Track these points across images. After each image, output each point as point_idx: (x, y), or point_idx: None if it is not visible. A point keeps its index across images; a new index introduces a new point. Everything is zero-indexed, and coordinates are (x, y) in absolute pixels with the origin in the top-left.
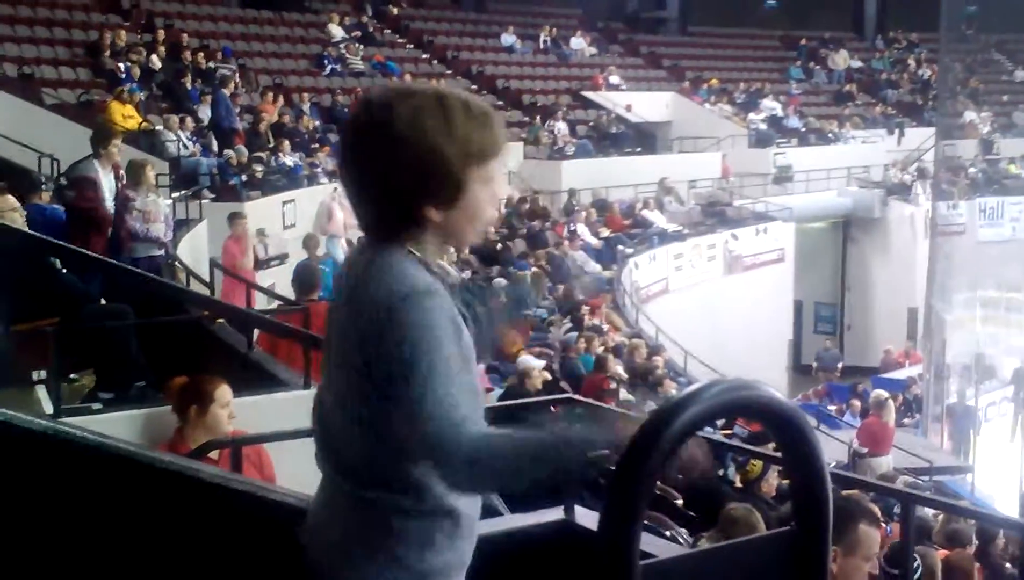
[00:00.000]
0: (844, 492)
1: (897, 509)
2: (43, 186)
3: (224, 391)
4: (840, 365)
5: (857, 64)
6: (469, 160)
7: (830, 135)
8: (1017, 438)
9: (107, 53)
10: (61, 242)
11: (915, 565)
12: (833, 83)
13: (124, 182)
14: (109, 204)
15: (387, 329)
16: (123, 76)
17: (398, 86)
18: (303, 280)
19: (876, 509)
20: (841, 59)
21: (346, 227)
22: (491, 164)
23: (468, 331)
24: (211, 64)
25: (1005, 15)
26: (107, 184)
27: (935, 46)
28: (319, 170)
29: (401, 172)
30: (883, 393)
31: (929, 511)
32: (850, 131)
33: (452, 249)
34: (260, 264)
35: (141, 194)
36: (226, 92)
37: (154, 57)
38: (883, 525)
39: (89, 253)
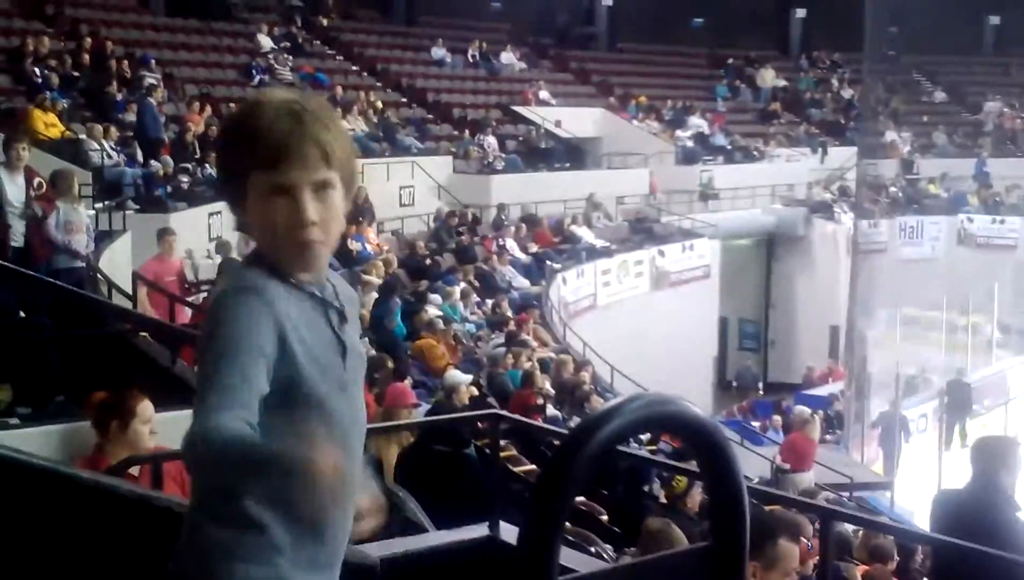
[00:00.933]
0: (767, 507)
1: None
2: None
3: (146, 407)
4: (759, 383)
5: (782, 83)
6: (244, 163)
7: (755, 153)
8: (946, 447)
9: (29, 60)
10: None
11: None
12: (759, 101)
13: (43, 190)
14: (12, 209)
15: (205, 324)
16: (39, 81)
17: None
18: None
19: (804, 522)
20: (768, 77)
21: None
22: (265, 172)
23: (325, 343)
24: (136, 73)
25: (926, 37)
26: (11, 190)
27: (858, 67)
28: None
29: (217, 165)
30: (806, 410)
31: (850, 527)
32: (775, 149)
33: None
34: (189, 288)
35: (66, 204)
36: (153, 101)
37: (77, 64)
38: (805, 540)
39: (12, 266)
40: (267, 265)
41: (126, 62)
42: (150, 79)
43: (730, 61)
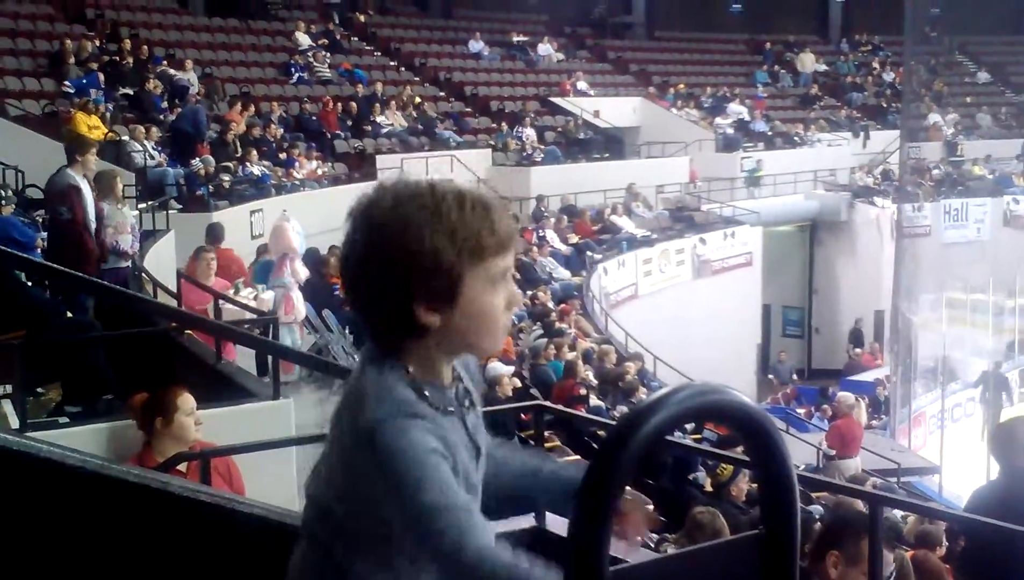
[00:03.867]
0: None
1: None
2: (4, 200)
3: (186, 399)
4: (794, 376)
5: (822, 68)
6: (463, 252)
7: (796, 138)
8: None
9: (71, 63)
10: (26, 255)
11: (890, 571)
12: (799, 87)
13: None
14: (91, 215)
15: (369, 456)
16: (82, 84)
17: (390, 177)
18: None
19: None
20: (808, 62)
21: (292, 252)
22: (493, 260)
23: (467, 455)
24: (177, 73)
25: (968, 18)
26: (87, 194)
27: (899, 49)
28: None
29: (384, 266)
30: (851, 395)
31: (899, 513)
32: (816, 134)
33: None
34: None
35: (110, 205)
36: (201, 107)
37: (118, 67)
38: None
39: (57, 267)
40: (406, 377)
41: (167, 63)
42: (191, 79)
43: (769, 46)
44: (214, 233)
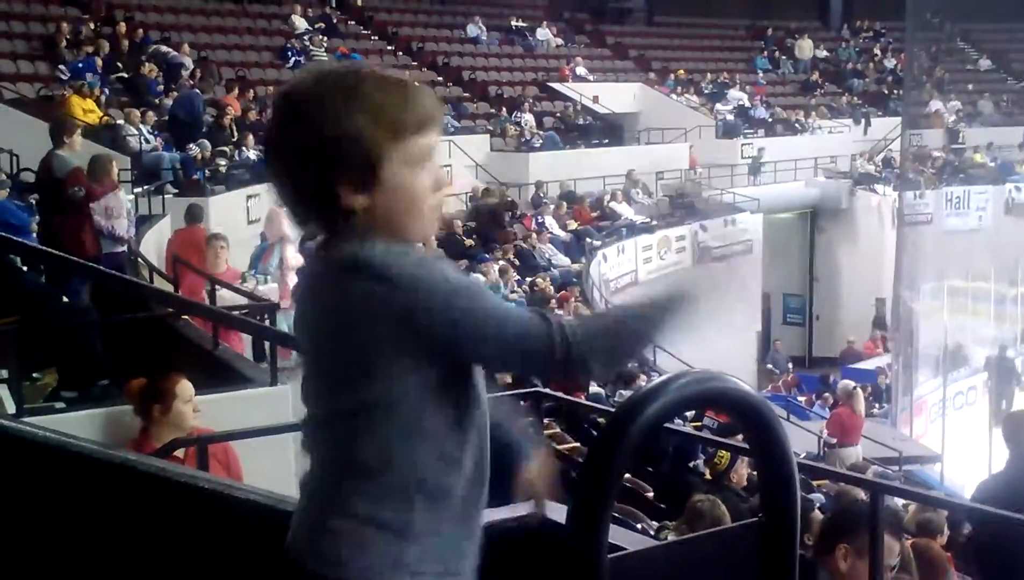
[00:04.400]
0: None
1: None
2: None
3: (185, 386)
4: (789, 364)
5: (823, 54)
6: (383, 133)
7: (797, 125)
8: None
9: (65, 46)
10: (19, 239)
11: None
12: (799, 73)
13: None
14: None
15: (393, 299)
16: (78, 67)
17: (312, 65)
18: None
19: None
20: (806, 48)
21: (287, 238)
22: (415, 140)
23: None
24: (172, 52)
25: (970, 4)
26: None
27: (901, 35)
28: None
29: (306, 149)
30: (851, 383)
31: (899, 501)
32: (817, 121)
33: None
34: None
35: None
36: (198, 90)
37: (114, 50)
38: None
39: (52, 251)
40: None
41: (162, 46)
42: (186, 62)
43: (770, 32)
44: (193, 213)
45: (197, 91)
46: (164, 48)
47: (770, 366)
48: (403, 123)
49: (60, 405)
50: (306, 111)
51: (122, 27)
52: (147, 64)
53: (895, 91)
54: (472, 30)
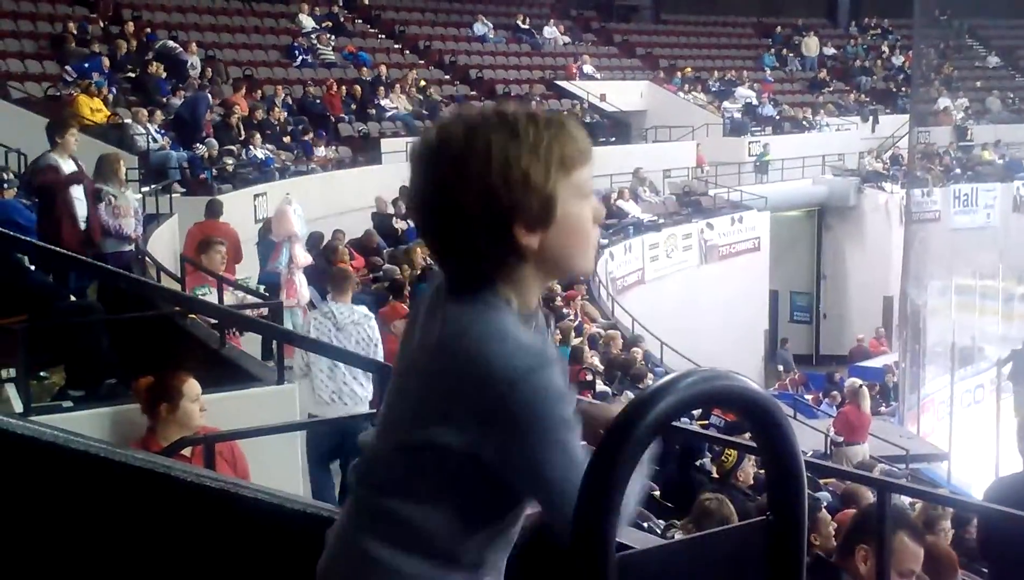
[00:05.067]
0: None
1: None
2: (5, 183)
3: (192, 385)
4: (793, 368)
5: (831, 51)
6: (551, 169)
7: (804, 123)
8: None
9: (73, 45)
10: (29, 238)
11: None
12: (807, 70)
13: (91, 176)
14: (76, 196)
15: (509, 407)
16: (85, 67)
17: (453, 110)
18: None
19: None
20: (812, 46)
21: (295, 236)
22: (579, 171)
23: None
24: (177, 47)
25: (978, 1)
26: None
27: (909, 33)
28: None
29: (479, 202)
30: (857, 381)
31: (906, 499)
32: (824, 119)
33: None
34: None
35: (112, 189)
36: (208, 93)
37: (121, 49)
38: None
39: (57, 249)
40: (510, 310)
41: (168, 42)
42: (194, 62)
43: (777, 30)
44: (213, 209)
45: (206, 94)
46: (171, 43)
47: (780, 367)
48: (569, 158)
49: (67, 404)
50: (470, 164)
51: (130, 26)
52: (154, 63)
53: (903, 88)
54: (479, 28)
